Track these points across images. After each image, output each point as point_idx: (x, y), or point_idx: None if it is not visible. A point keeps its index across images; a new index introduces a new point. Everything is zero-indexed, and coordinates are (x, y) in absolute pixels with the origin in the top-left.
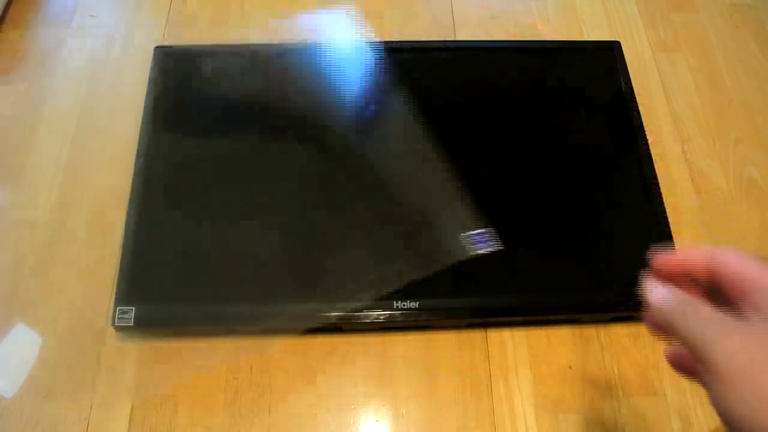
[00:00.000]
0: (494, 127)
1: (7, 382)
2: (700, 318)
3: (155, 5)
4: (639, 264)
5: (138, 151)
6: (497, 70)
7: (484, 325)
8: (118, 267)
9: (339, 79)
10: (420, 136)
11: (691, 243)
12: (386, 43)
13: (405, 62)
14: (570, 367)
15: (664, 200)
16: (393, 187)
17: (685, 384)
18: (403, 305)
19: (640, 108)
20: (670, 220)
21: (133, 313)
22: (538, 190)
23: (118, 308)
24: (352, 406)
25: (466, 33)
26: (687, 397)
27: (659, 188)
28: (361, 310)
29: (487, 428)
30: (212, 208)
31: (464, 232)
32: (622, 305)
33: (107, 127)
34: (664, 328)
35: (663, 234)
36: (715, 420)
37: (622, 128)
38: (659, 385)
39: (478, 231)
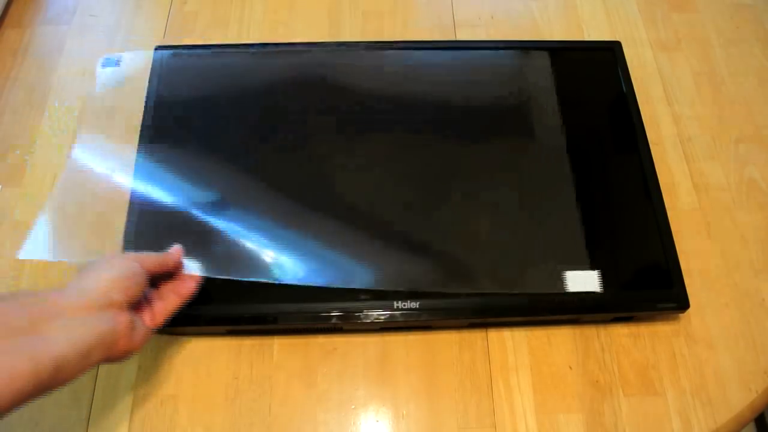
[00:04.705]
0: (494, 128)
1: None
2: None
3: (155, 5)
4: (639, 264)
5: (138, 151)
6: (497, 70)
7: (484, 325)
8: None
9: (339, 79)
10: (418, 135)
11: (691, 243)
12: (386, 43)
13: (405, 62)
14: (570, 367)
15: (664, 200)
16: (392, 187)
17: (685, 384)
18: (403, 305)
19: (640, 108)
20: (670, 220)
21: None
22: (537, 189)
23: None
24: (352, 406)
25: (466, 33)
26: (687, 397)
27: (659, 188)
28: (361, 310)
29: (487, 428)
30: (212, 207)
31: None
32: (622, 305)
33: (107, 128)
34: None
35: (663, 234)
36: (715, 420)
37: (622, 128)
38: (659, 385)
39: None
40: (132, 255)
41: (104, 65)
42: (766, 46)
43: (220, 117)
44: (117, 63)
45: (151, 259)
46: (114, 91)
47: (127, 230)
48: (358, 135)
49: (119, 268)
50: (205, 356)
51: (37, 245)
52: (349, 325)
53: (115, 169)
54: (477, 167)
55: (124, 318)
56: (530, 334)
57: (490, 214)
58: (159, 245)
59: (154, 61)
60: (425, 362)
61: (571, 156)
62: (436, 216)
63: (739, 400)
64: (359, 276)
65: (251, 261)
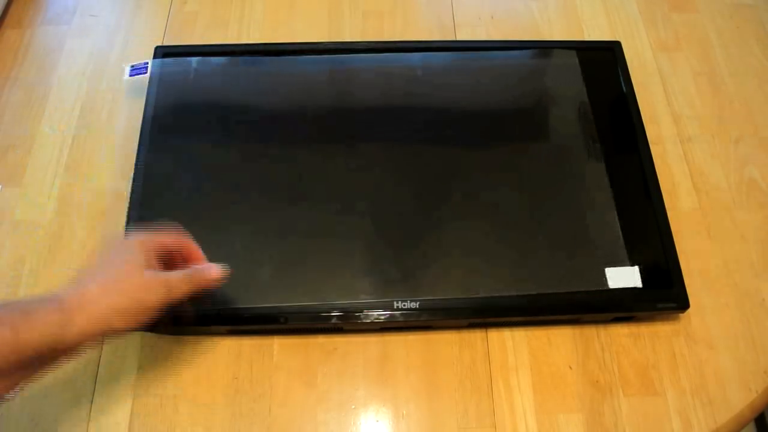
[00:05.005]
0: (494, 128)
1: None
2: None
3: (155, 5)
4: (640, 264)
5: (138, 151)
6: (497, 70)
7: (484, 325)
8: None
9: (339, 79)
10: (419, 135)
11: (691, 243)
12: (386, 43)
13: (405, 62)
14: (570, 367)
15: (664, 200)
16: (393, 188)
17: (685, 384)
18: (403, 305)
19: (640, 108)
20: (670, 220)
21: None
22: (538, 189)
23: None
24: (352, 406)
25: (466, 33)
26: (687, 397)
27: (659, 188)
28: (361, 310)
29: (487, 428)
30: (212, 208)
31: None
32: (622, 305)
33: (107, 127)
34: None
35: (663, 234)
36: (715, 420)
37: (622, 128)
38: (659, 385)
39: None
40: (142, 255)
41: (132, 73)
42: (766, 46)
43: (219, 117)
44: (144, 70)
45: (162, 244)
46: (114, 90)
47: (127, 230)
48: (360, 135)
49: (113, 279)
50: (205, 356)
51: None
52: (349, 325)
53: (115, 169)
54: (476, 167)
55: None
56: (530, 334)
57: (491, 215)
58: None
59: (154, 61)
60: (425, 362)
61: (570, 156)
62: (433, 219)
63: (739, 400)
64: (392, 282)
65: (250, 263)
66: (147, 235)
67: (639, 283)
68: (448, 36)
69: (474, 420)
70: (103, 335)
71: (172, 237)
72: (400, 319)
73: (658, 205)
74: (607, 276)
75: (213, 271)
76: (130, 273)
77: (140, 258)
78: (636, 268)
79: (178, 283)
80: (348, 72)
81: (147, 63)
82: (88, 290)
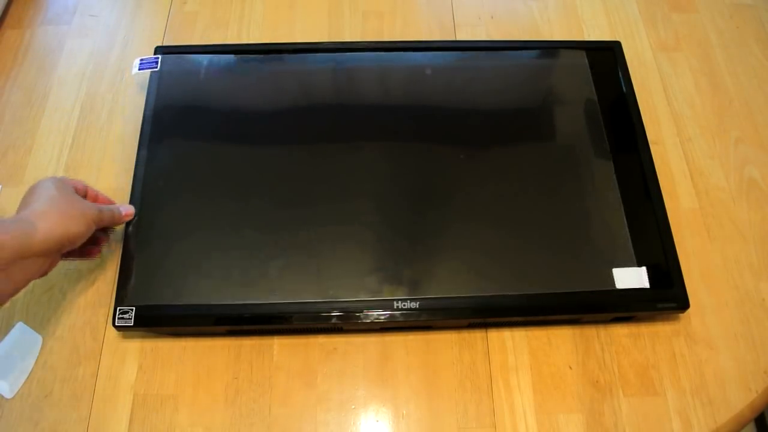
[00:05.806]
0: (494, 128)
1: (8, 382)
2: None
3: (155, 5)
4: (639, 264)
5: (138, 150)
6: (497, 70)
7: (484, 325)
8: (118, 267)
9: (339, 79)
10: (419, 135)
11: (691, 243)
12: (386, 43)
13: (405, 62)
14: (570, 367)
15: (664, 200)
16: (394, 188)
17: (685, 384)
18: (403, 305)
19: (641, 108)
20: (670, 220)
21: (133, 313)
22: (538, 189)
23: (118, 308)
24: (352, 406)
25: (466, 33)
26: (687, 397)
27: (659, 188)
28: (361, 310)
29: (487, 428)
30: (212, 208)
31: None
32: (622, 305)
33: (107, 127)
34: None
35: (663, 234)
36: (715, 420)
37: (622, 128)
38: (659, 385)
39: None
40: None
41: (141, 67)
42: (766, 46)
43: (219, 117)
44: (155, 64)
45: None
46: (114, 90)
47: (127, 229)
48: (360, 135)
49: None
50: (205, 356)
51: None
52: (349, 325)
53: (115, 169)
54: (478, 167)
55: None
56: (530, 334)
57: (490, 216)
58: (159, 247)
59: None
60: (425, 362)
61: (571, 156)
62: (435, 219)
63: (739, 400)
64: (400, 280)
65: (250, 263)
66: (62, 178)
67: (646, 284)
68: (448, 36)
69: (474, 420)
70: (60, 243)
71: (81, 182)
72: (400, 319)
73: (658, 205)
74: (615, 277)
75: (123, 210)
76: (65, 191)
77: (69, 187)
78: (643, 269)
79: (103, 207)
80: (348, 72)
81: (158, 58)
82: (40, 207)
